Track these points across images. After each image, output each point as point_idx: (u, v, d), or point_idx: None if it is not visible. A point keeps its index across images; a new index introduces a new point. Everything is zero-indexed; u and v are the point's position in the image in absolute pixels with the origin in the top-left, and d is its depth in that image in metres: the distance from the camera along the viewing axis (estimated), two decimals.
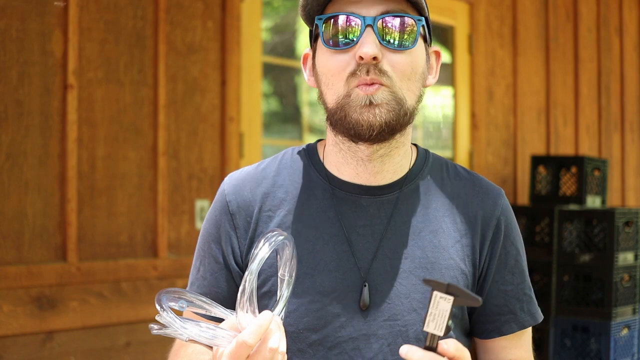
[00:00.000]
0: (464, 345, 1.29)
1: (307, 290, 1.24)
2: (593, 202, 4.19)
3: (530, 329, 1.35)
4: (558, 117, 4.82)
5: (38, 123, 2.62)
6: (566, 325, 3.87)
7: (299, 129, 3.77)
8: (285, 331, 1.23)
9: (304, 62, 1.33)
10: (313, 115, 3.92)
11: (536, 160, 4.28)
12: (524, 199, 4.48)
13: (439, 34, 4.27)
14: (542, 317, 1.35)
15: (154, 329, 1.01)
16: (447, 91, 4.33)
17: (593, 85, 5.13)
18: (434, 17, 4.13)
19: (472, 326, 1.33)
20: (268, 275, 1.26)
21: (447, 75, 4.28)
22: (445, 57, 4.29)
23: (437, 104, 4.46)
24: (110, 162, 2.79)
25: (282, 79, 3.70)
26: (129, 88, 2.84)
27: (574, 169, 4.15)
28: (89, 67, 2.74)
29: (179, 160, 2.97)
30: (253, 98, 3.25)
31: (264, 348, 0.98)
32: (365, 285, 1.23)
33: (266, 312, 0.98)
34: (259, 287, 1.27)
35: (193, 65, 3.02)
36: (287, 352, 1.24)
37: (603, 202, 4.30)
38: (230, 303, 1.29)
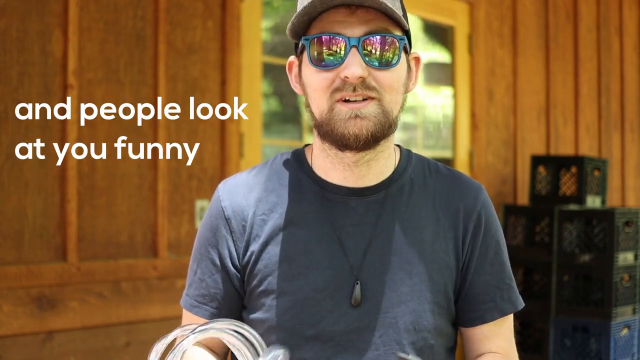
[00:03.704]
0: (450, 335, 1.38)
1: (301, 288, 1.29)
2: (593, 202, 4.19)
3: (511, 318, 1.42)
4: (558, 117, 4.82)
5: (38, 123, 2.62)
6: (566, 325, 3.87)
7: (299, 129, 3.77)
8: (282, 327, 1.29)
9: (289, 70, 1.38)
10: None
11: (536, 160, 4.28)
12: (524, 199, 4.49)
13: (439, 34, 4.27)
14: (523, 304, 1.42)
15: None
16: (447, 91, 4.33)
17: (593, 85, 5.13)
18: (433, 17, 4.13)
19: (457, 315, 1.39)
20: (264, 275, 1.31)
21: (447, 75, 4.28)
22: (445, 57, 4.29)
23: (437, 104, 4.46)
24: (110, 162, 2.79)
25: (282, 79, 3.70)
26: (129, 88, 2.84)
27: (574, 169, 4.15)
28: (89, 67, 2.74)
29: (179, 160, 2.97)
30: (253, 98, 3.25)
31: None
32: (357, 283, 1.29)
33: None
34: (255, 287, 1.32)
35: (193, 65, 3.02)
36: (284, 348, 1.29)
37: (603, 202, 4.30)
38: (227, 302, 1.35)
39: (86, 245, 2.72)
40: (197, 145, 3.02)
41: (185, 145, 2.99)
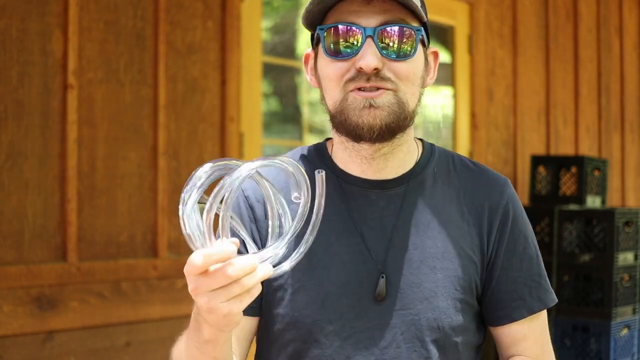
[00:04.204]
0: (475, 332, 1.32)
1: (322, 283, 1.26)
2: (593, 202, 4.19)
3: (543, 319, 1.36)
4: (558, 117, 4.82)
5: (38, 123, 2.62)
6: (566, 325, 3.87)
7: (299, 129, 3.77)
8: (302, 323, 1.25)
9: (306, 62, 1.36)
10: (313, 115, 3.92)
11: (536, 160, 4.28)
12: (524, 199, 4.48)
13: (439, 34, 4.27)
14: (555, 301, 1.36)
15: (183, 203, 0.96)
16: (447, 91, 4.33)
17: (593, 85, 5.13)
18: (433, 17, 4.13)
19: (484, 314, 1.35)
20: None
21: (447, 75, 4.28)
22: (445, 57, 4.29)
23: (437, 104, 4.46)
24: (110, 162, 2.79)
25: (282, 79, 3.70)
26: (129, 88, 2.84)
27: (574, 169, 4.15)
28: (89, 67, 2.74)
29: (179, 160, 2.97)
30: (253, 98, 3.25)
31: (220, 274, 0.93)
32: (382, 277, 1.26)
33: (229, 245, 0.94)
34: (273, 280, 1.27)
35: (193, 65, 3.02)
36: (304, 344, 1.26)
37: (603, 202, 4.30)
38: None
39: (86, 245, 2.72)
40: (197, 145, 3.02)
41: (185, 145, 2.99)
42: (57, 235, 2.65)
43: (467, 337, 1.31)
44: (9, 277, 2.53)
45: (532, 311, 1.33)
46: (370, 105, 1.22)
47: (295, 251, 1.01)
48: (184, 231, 0.94)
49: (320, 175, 1.01)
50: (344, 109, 1.24)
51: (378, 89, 1.22)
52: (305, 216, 0.99)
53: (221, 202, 0.94)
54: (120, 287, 2.79)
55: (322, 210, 1.00)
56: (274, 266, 0.98)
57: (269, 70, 3.48)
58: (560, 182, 4.19)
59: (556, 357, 1.40)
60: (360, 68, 1.21)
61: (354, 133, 1.25)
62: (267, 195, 1.03)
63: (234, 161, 0.97)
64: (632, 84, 5.51)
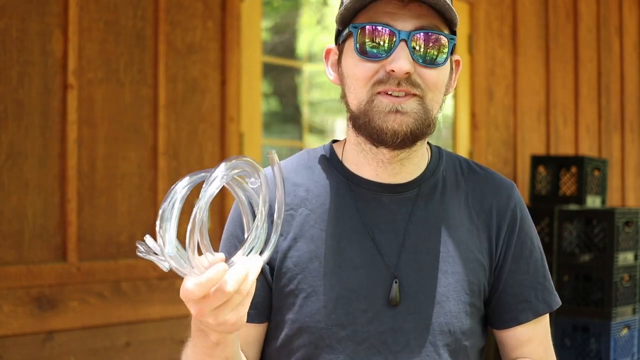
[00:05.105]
0: (482, 335, 1.33)
1: (334, 287, 1.25)
2: (593, 202, 4.19)
3: (546, 321, 1.37)
4: (558, 117, 4.82)
5: (38, 123, 2.62)
6: (566, 325, 3.87)
7: (299, 129, 3.77)
8: (314, 328, 1.24)
9: (326, 58, 1.34)
10: (313, 115, 3.92)
11: (536, 160, 4.28)
12: (524, 198, 4.48)
13: None
14: (559, 303, 1.37)
15: (140, 250, 0.96)
16: None
17: (593, 85, 5.13)
18: None
19: (490, 317, 1.35)
20: (294, 274, 1.26)
21: None
22: None
23: None
24: (110, 162, 2.79)
25: (282, 79, 3.70)
26: (129, 88, 2.84)
27: (574, 169, 4.15)
28: (89, 67, 2.74)
29: (179, 160, 2.97)
30: (253, 98, 3.25)
31: (219, 293, 0.94)
32: (395, 281, 1.25)
33: (218, 266, 0.94)
34: (284, 286, 1.27)
35: (193, 65, 3.02)
36: (315, 349, 1.24)
37: (603, 202, 4.30)
38: (260, 296, 1.27)
39: (86, 245, 2.72)
40: (197, 145, 3.02)
41: (185, 145, 2.99)
42: (57, 235, 2.66)
43: (475, 340, 1.31)
44: (9, 277, 2.53)
45: (537, 314, 1.34)
46: (397, 111, 1.21)
47: (272, 236, 1.01)
48: (165, 266, 0.93)
49: (271, 157, 1.01)
50: (369, 111, 1.22)
51: (406, 94, 1.21)
52: (267, 199, 0.99)
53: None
54: (120, 287, 2.79)
55: (284, 191, 1.02)
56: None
57: (269, 70, 3.49)
58: (560, 182, 4.19)
59: (556, 357, 1.40)
60: (392, 71, 1.19)
61: (376, 137, 1.23)
62: (240, 201, 1.03)
63: (203, 174, 0.99)
64: (632, 84, 5.51)
